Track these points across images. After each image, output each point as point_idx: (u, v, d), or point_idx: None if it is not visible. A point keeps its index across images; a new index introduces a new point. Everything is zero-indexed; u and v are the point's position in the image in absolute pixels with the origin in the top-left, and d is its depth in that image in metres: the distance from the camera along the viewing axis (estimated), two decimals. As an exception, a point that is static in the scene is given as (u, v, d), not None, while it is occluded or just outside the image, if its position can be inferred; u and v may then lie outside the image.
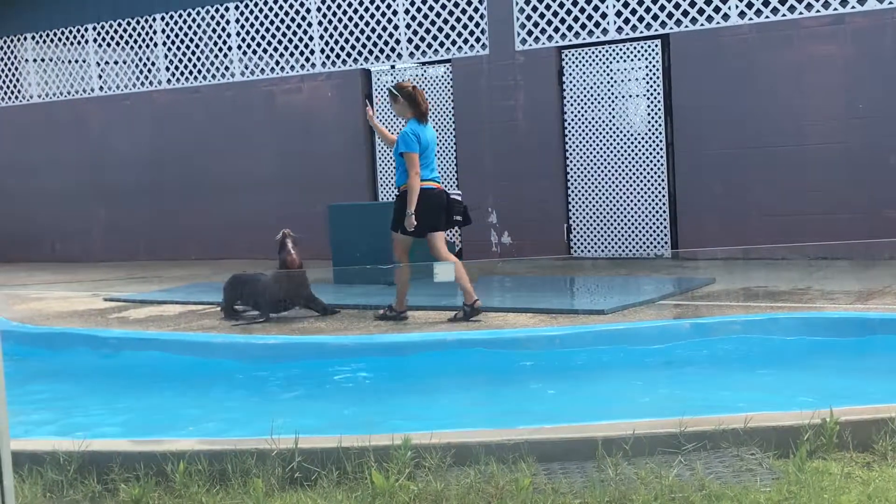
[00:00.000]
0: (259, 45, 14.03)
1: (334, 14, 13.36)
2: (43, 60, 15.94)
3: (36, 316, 9.37)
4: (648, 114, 11.68)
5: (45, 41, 15.83)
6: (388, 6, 12.96)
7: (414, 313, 8.32)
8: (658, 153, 11.58)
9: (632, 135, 11.77)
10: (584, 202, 12.02)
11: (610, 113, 11.87)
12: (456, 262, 8.05)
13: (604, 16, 11.70)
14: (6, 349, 2.79)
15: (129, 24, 14.97)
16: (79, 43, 15.50)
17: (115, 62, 15.38)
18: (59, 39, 15.66)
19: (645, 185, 11.65)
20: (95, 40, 15.31)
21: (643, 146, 11.67)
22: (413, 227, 7.92)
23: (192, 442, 4.37)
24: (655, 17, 11.45)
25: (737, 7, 11.00)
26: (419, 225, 7.95)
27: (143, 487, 3.94)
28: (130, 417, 6.10)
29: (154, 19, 14.77)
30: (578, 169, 12.03)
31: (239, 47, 14.18)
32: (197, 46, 14.46)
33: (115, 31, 15.12)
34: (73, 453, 4.18)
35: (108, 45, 15.28)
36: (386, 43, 13.09)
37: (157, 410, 6.28)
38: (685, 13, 11.28)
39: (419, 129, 7.98)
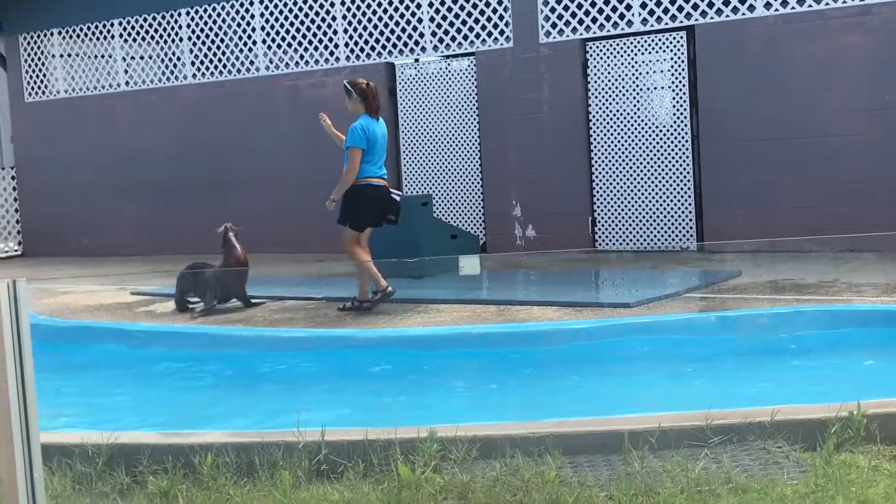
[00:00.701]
0: (283, 39, 14.06)
1: (358, 7, 13.36)
2: (70, 56, 16.05)
3: (64, 310, 9.44)
4: (674, 106, 11.62)
5: (71, 37, 15.93)
6: (412, -1, 12.96)
7: (440, 307, 8.34)
8: (683, 145, 11.52)
9: (657, 127, 11.71)
10: (608, 195, 11.98)
11: (635, 105, 11.81)
12: (367, 260, 8.25)
13: (629, 7, 11.64)
14: (34, 343, 2.82)
15: (154, 18, 15.04)
16: (105, 38, 15.58)
17: (141, 57, 15.47)
18: (86, 35, 15.75)
19: (670, 177, 11.60)
20: (121, 35, 15.39)
21: (668, 138, 11.61)
22: (331, 210, 8.23)
23: (220, 434, 4.41)
24: (680, 9, 11.38)
25: (763, -2, 10.93)
26: (357, 218, 8.16)
27: (172, 480, 3.97)
28: (158, 409, 6.15)
29: (179, 14, 14.84)
30: (603, 162, 11.99)
31: (264, 41, 14.22)
32: (222, 41, 14.51)
33: (141, 27, 15.20)
34: (101, 446, 4.22)
35: (134, 40, 15.36)
36: (410, 36, 13.08)
37: (184, 402, 6.32)
38: (710, 4, 11.21)
39: (369, 125, 8.14)
